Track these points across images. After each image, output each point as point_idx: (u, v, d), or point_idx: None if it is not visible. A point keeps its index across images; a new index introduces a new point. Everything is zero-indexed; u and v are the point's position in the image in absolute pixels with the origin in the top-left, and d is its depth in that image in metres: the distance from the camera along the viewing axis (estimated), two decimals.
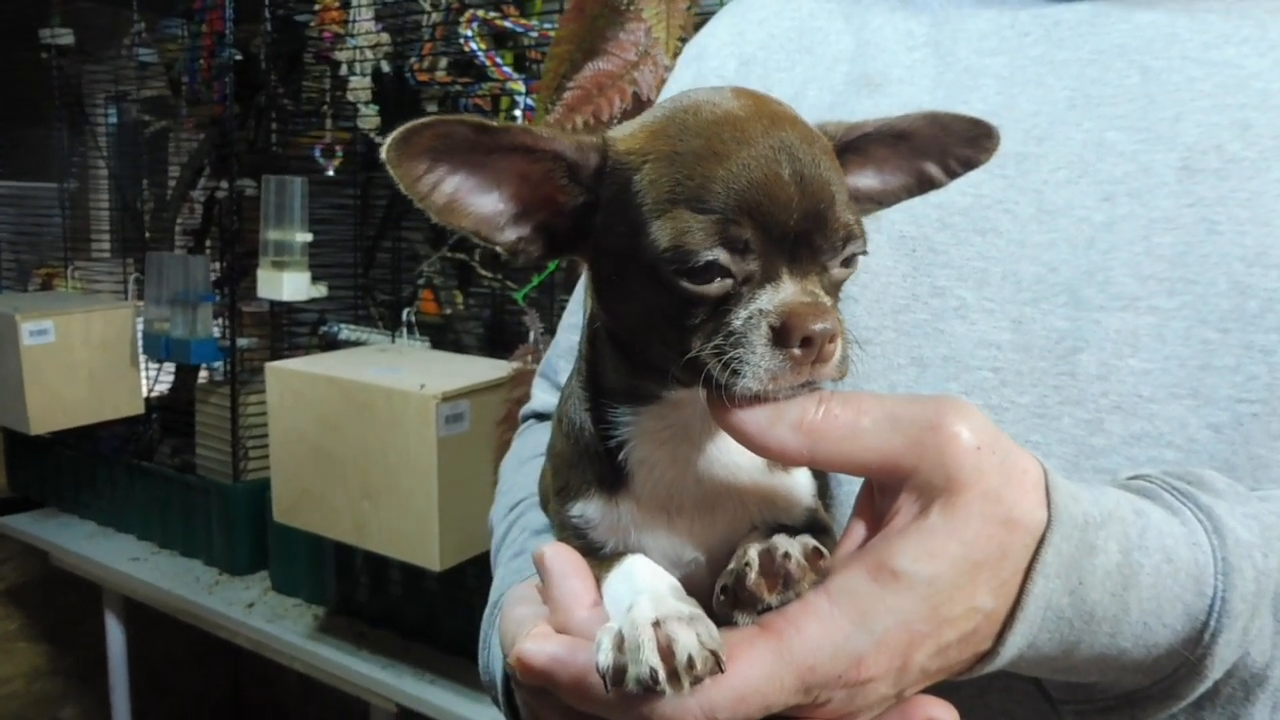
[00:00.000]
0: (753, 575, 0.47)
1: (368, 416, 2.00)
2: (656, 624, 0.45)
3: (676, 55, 1.64)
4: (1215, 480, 0.56)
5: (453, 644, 2.33)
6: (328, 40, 2.71)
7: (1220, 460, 0.63)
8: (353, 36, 2.68)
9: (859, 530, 0.51)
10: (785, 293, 0.46)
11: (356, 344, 2.66)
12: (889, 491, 0.50)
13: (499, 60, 2.37)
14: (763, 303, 0.46)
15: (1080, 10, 0.76)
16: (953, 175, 0.59)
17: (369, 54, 2.67)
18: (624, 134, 0.51)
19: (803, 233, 0.47)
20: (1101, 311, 0.67)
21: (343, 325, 2.77)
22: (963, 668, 0.51)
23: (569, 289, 2.28)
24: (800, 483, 0.58)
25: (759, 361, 0.46)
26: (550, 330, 2.25)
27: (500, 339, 2.67)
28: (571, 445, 0.58)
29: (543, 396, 1.03)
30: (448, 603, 2.33)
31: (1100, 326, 0.67)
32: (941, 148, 0.56)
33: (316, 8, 2.73)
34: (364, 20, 2.68)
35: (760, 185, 0.46)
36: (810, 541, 0.48)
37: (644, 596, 0.47)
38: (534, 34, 2.34)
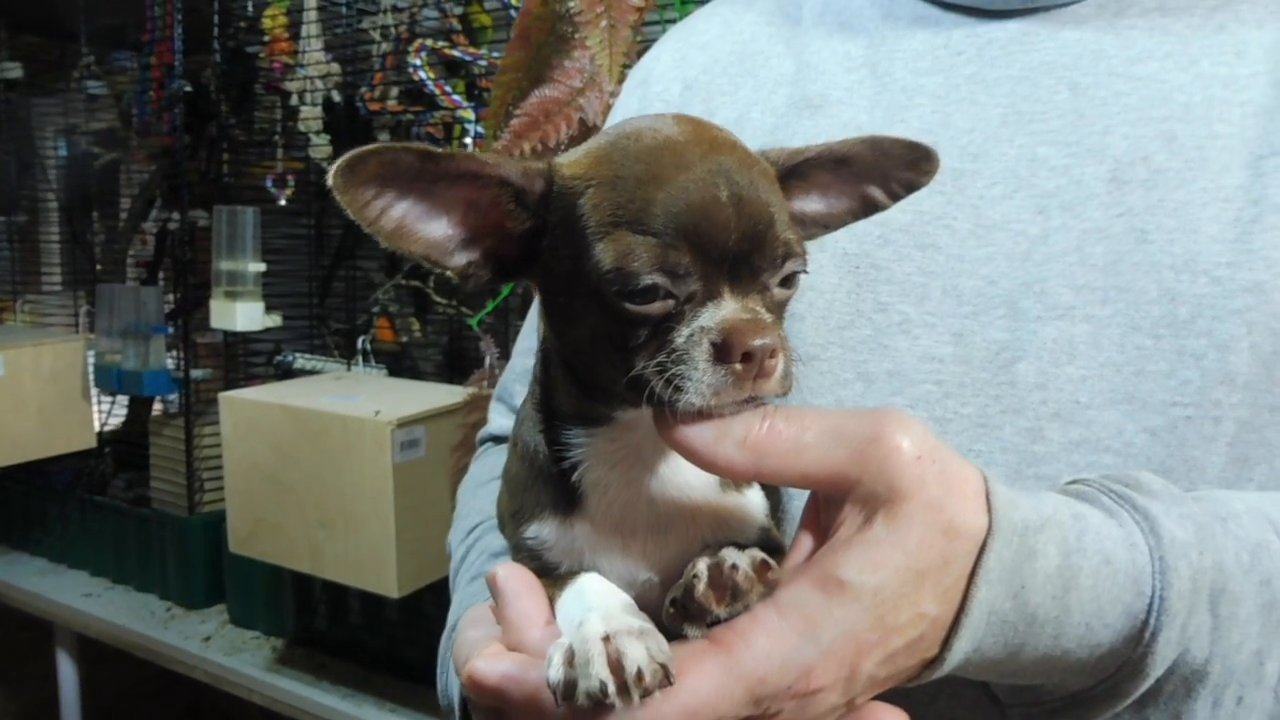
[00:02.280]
0: (701, 587, 0.48)
1: (323, 444, 1.99)
2: (606, 638, 0.45)
3: (621, 82, 1.67)
4: (1151, 482, 0.58)
5: (413, 672, 2.31)
6: (278, 70, 2.71)
7: (1156, 463, 0.64)
8: (303, 66, 2.69)
9: (806, 542, 0.52)
10: (726, 310, 0.48)
11: (312, 373, 2.65)
12: (833, 504, 0.51)
13: (448, 89, 2.39)
14: (704, 320, 0.47)
15: (1010, 29, 0.78)
16: (895, 198, 0.60)
17: (319, 84, 2.68)
18: (569, 160, 0.53)
19: (742, 253, 0.49)
20: (1039, 322, 0.69)
21: (298, 355, 2.75)
22: (911, 674, 0.52)
23: (524, 314, 2.30)
24: (753, 501, 0.58)
25: (701, 377, 0.47)
26: (505, 355, 2.26)
27: (458, 365, 2.67)
28: (526, 468, 0.58)
29: (499, 420, 1.04)
30: (408, 630, 2.31)
31: (1038, 336, 0.68)
32: (882, 171, 0.57)
33: (266, 38, 2.74)
34: (314, 50, 2.69)
35: (698, 207, 0.47)
36: (758, 554, 0.49)
37: (594, 613, 0.48)
38: (483, 63, 2.36)
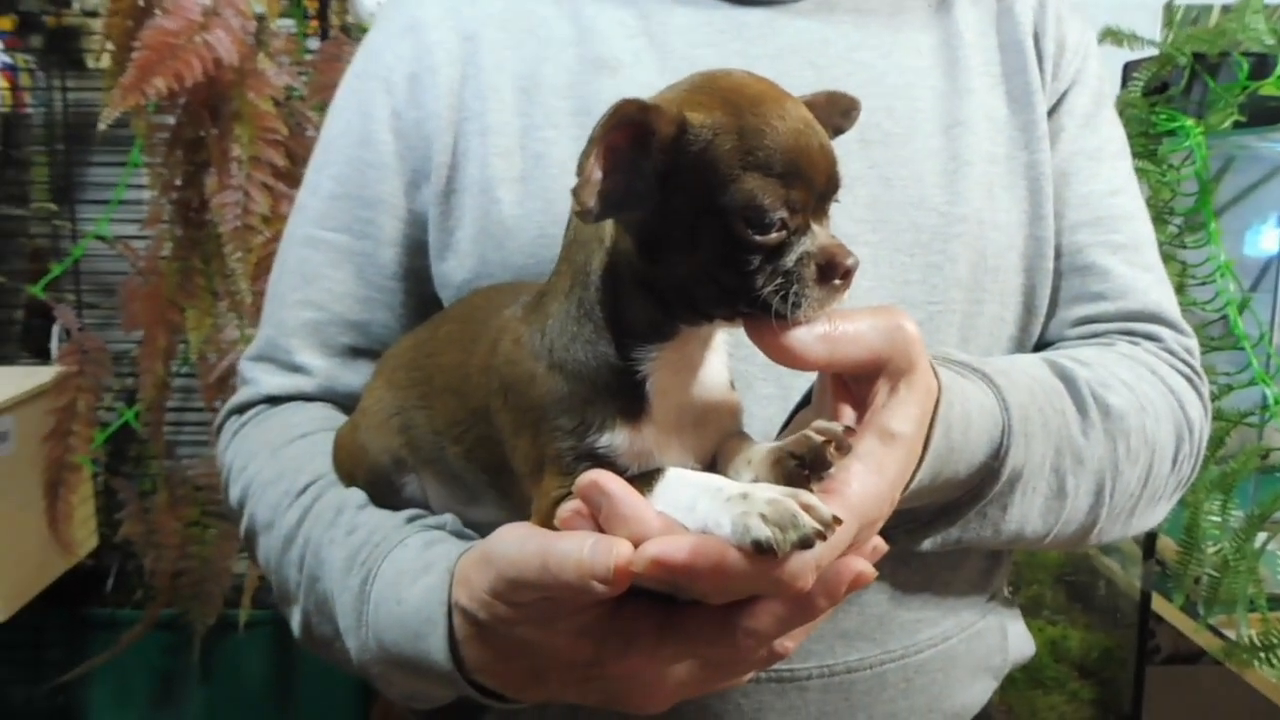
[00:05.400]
0: (832, 448, 0.58)
1: None
2: (791, 497, 0.54)
3: (277, 16, 1.55)
4: (957, 353, 0.80)
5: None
6: None
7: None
8: None
9: (848, 410, 0.65)
10: (821, 238, 0.59)
11: None
12: (865, 379, 0.65)
13: None
14: (807, 246, 0.58)
15: (757, 15, 0.92)
16: None
17: None
18: (689, 108, 0.58)
19: (825, 191, 0.60)
20: None
21: None
22: None
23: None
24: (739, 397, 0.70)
25: (811, 293, 0.58)
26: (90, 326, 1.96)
27: None
28: (585, 385, 0.62)
29: (275, 380, 0.96)
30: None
31: None
32: (825, 119, 0.66)
33: None
34: None
35: (806, 154, 0.58)
36: (836, 423, 0.61)
37: (733, 487, 0.56)
38: None
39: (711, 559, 0.54)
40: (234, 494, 0.92)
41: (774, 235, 0.57)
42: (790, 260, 0.58)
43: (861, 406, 0.65)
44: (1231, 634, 1.47)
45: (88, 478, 2.01)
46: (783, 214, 0.57)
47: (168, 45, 1.45)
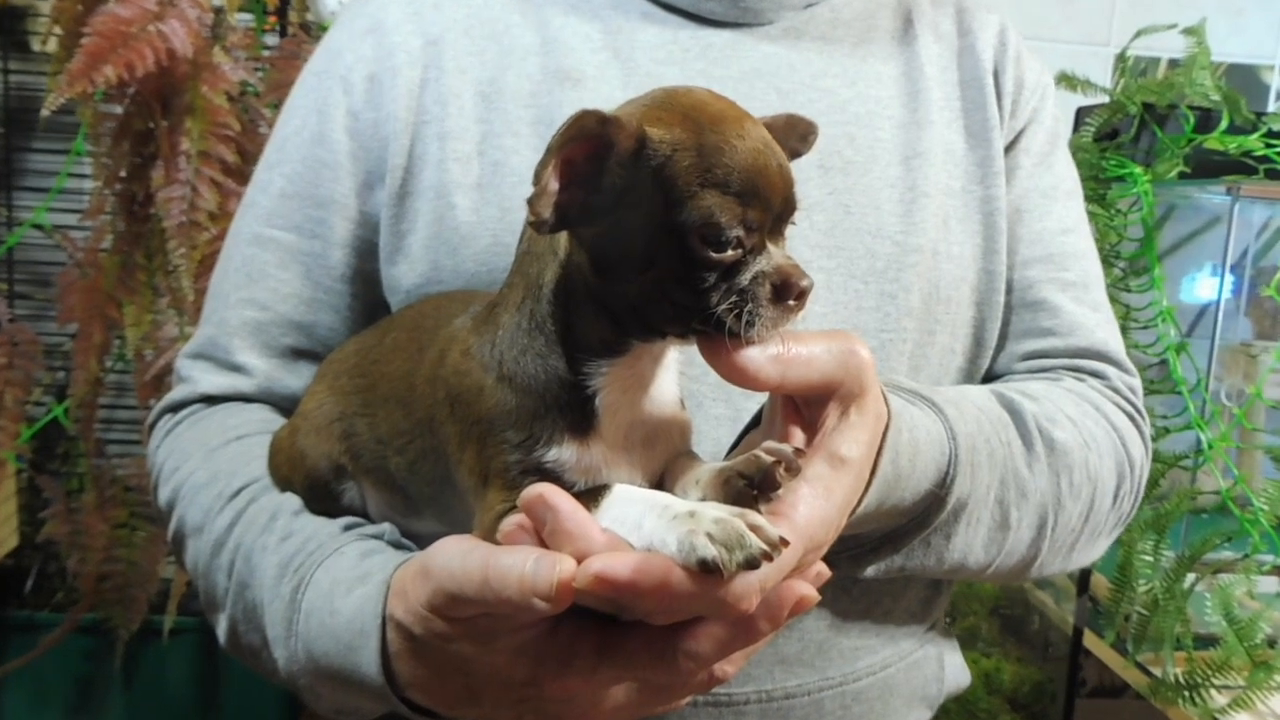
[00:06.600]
0: (781, 469, 0.57)
1: None
2: (739, 517, 0.53)
3: (237, 9, 1.52)
4: (908, 381, 0.80)
5: None
6: None
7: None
8: None
9: (798, 433, 0.64)
10: (776, 258, 0.58)
11: None
12: (816, 402, 0.64)
13: None
14: (762, 265, 0.57)
15: (724, 36, 0.93)
16: None
17: None
18: (649, 123, 0.57)
19: (781, 212, 0.60)
20: None
21: None
22: None
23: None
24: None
25: (765, 312, 0.57)
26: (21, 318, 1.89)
27: None
28: (534, 398, 0.61)
29: (213, 379, 0.93)
30: None
31: None
32: (783, 141, 0.66)
33: None
34: None
35: (764, 174, 0.58)
36: (786, 444, 0.61)
37: (682, 505, 0.55)
38: None
39: (656, 577, 0.53)
40: (164, 495, 0.89)
41: (730, 253, 0.56)
42: (745, 279, 0.57)
43: (811, 429, 0.64)
44: (1158, 671, 1.49)
45: (12, 474, 1.95)
46: (739, 232, 0.56)
47: (119, 33, 1.42)
